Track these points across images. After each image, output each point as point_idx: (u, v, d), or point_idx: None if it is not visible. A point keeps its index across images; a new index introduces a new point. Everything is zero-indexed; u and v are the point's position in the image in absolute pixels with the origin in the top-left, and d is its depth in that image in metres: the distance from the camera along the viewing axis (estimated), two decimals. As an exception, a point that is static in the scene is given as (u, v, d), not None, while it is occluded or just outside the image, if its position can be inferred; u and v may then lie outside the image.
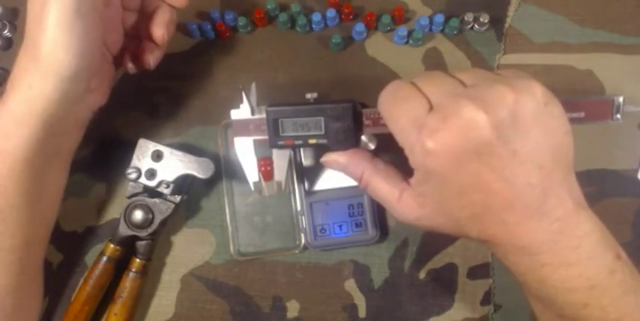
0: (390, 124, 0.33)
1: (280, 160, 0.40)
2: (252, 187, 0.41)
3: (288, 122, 0.38)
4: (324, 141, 0.37)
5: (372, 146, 0.38)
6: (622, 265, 0.32)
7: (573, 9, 0.48)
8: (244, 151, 0.40)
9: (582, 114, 0.35)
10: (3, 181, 0.37)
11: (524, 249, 0.31)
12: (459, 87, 0.32)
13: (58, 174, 0.41)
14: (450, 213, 0.33)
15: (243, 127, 0.40)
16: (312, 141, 0.38)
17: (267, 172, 0.40)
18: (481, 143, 0.29)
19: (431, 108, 0.31)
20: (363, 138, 0.38)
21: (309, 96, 0.41)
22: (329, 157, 0.38)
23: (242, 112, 0.40)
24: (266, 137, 0.39)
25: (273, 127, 0.38)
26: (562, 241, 0.31)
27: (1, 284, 0.38)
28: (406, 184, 0.35)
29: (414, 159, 0.32)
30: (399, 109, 0.32)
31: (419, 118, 0.31)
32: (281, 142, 0.38)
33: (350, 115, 0.36)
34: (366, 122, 0.37)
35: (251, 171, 0.41)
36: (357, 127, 0.37)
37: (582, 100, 0.35)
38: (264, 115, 0.38)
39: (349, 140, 0.37)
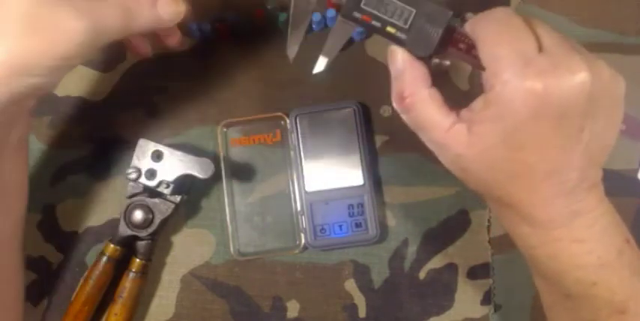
0: (486, 47, 0.31)
1: (336, 38, 0.35)
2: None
3: None
4: (402, 36, 0.33)
5: (447, 62, 0.34)
6: (630, 248, 0.33)
7: (573, 9, 0.48)
8: None
9: (624, 127, 0.33)
10: None
11: (541, 223, 0.31)
12: (571, 41, 0.30)
13: (12, 162, 0.38)
14: (492, 162, 0.31)
15: None
16: (390, 29, 0.33)
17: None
18: (571, 105, 0.29)
19: (540, 50, 0.29)
20: (435, 60, 0.34)
21: None
22: (397, 50, 0.33)
23: None
24: None
25: None
26: (578, 220, 0.31)
27: None
28: (458, 118, 0.32)
29: (500, 92, 0.29)
30: (507, 36, 0.30)
31: (527, 52, 0.29)
32: (357, 15, 0.33)
33: (445, 23, 0.32)
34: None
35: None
36: (443, 40, 0.33)
37: (631, 115, 0.33)
38: None
39: (428, 48, 0.33)
